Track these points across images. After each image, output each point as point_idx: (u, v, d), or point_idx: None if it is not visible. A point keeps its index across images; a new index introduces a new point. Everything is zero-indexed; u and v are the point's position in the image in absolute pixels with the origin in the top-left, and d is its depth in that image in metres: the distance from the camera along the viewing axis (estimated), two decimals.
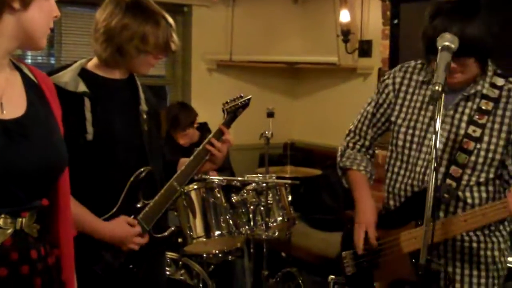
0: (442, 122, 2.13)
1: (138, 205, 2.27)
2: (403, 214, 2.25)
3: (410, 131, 2.25)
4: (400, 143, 2.28)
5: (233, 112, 2.50)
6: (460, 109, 2.17)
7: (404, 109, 2.30)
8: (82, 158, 1.98)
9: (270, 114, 3.90)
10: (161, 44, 2.25)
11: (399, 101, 2.32)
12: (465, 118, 2.15)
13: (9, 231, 1.44)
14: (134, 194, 2.26)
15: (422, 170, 2.21)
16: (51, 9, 1.51)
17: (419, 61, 2.33)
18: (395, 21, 5.02)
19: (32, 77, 1.60)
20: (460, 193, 2.15)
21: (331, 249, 4.32)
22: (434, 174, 1.74)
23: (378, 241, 2.31)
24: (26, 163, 1.44)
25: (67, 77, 2.16)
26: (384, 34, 5.18)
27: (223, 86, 5.87)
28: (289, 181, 3.91)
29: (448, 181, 2.14)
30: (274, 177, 3.82)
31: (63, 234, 1.62)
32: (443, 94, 1.78)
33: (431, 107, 2.19)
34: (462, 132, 2.14)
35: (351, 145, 2.51)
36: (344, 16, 5.56)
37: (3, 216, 1.43)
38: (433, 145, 1.73)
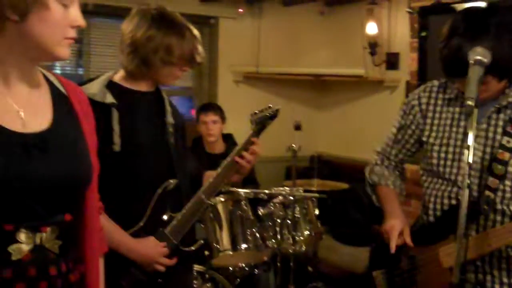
0: (476, 136, 2.13)
1: (165, 218, 2.26)
2: (441, 228, 2.21)
3: (444, 148, 2.24)
4: (435, 161, 2.26)
5: (261, 123, 2.48)
6: (493, 122, 2.16)
7: (434, 128, 2.29)
8: (109, 169, 1.99)
9: (297, 127, 3.87)
10: (186, 55, 2.25)
11: (428, 120, 2.31)
12: (499, 130, 2.14)
13: (28, 246, 1.41)
14: (161, 206, 2.25)
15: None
16: (61, 19, 1.44)
17: (442, 80, 2.33)
18: (423, 34, 4.96)
19: (62, 89, 1.58)
20: (503, 206, 2.11)
21: (358, 263, 4.26)
22: (467, 190, 1.70)
23: (415, 259, 2.26)
24: (44, 178, 1.41)
25: (95, 89, 2.17)
26: (412, 47, 5.11)
27: (250, 98, 5.87)
28: (316, 195, 3.88)
29: (487, 192, 2.11)
30: (301, 190, 3.79)
31: (89, 250, 1.59)
32: (476, 109, 1.75)
33: (462, 123, 2.21)
34: (497, 144, 2.13)
35: (379, 162, 2.52)
36: (371, 28, 5.53)
37: (22, 231, 1.40)
38: (466, 161, 1.70)
